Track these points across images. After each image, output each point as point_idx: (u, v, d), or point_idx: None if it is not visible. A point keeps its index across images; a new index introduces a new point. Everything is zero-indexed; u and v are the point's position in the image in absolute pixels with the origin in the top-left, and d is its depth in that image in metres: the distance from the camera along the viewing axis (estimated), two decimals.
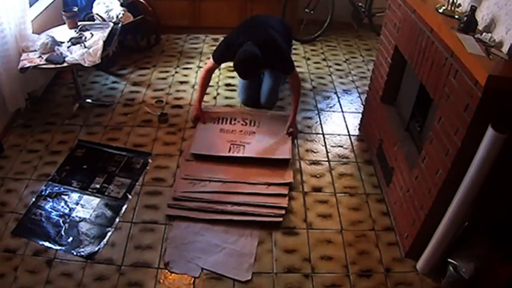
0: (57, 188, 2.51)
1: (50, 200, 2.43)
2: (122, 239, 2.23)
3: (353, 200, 2.54)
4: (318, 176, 2.70)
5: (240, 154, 2.75)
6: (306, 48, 4.27)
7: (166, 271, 2.08)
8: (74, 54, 2.77)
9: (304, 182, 2.64)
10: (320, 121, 3.20)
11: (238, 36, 2.83)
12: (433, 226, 1.96)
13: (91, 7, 3.43)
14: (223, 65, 3.41)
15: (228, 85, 3.56)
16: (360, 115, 3.16)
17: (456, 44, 1.70)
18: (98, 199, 2.45)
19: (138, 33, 4.03)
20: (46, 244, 2.18)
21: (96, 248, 2.17)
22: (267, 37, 2.79)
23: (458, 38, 1.70)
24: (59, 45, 2.83)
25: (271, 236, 2.28)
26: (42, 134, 2.92)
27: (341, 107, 3.37)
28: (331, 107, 3.37)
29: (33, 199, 2.42)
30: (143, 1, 3.80)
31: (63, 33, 3.01)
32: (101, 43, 2.88)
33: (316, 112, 3.30)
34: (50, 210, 2.37)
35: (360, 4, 4.43)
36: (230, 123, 3.04)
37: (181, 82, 3.59)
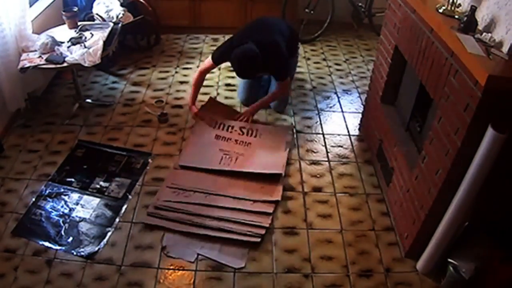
0: (57, 188, 2.51)
1: (50, 200, 2.43)
2: (122, 239, 2.23)
3: (353, 200, 2.54)
4: (318, 176, 2.70)
5: (230, 168, 2.63)
6: (306, 48, 4.26)
7: (166, 271, 2.08)
8: (74, 54, 2.77)
9: (304, 182, 2.64)
10: (320, 121, 3.20)
11: (242, 38, 2.82)
12: (433, 226, 1.96)
13: (91, 7, 3.43)
14: (223, 65, 3.41)
15: (228, 85, 3.56)
16: (360, 115, 3.16)
17: (456, 44, 1.70)
18: (98, 199, 2.45)
19: (138, 33, 4.03)
20: (46, 244, 2.18)
21: (96, 248, 2.17)
22: (271, 41, 2.78)
23: (458, 38, 1.70)
24: (59, 45, 2.83)
25: (271, 236, 2.28)
26: (42, 134, 2.92)
27: (341, 107, 3.37)
28: (331, 107, 3.37)
29: (33, 199, 2.42)
30: (143, 1, 3.80)
31: (63, 33, 3.01)
32: (101, 43, 2.89)
33: (316, 112, 3.30)
34: (50, 210, 2.37)
35: (360, 4, 4.43)
36: (227, 130, 2.96)
37: (181, 82, 3.59)
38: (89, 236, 2.23)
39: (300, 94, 3.50)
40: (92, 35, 2.99)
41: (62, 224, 2.29)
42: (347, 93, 3.56)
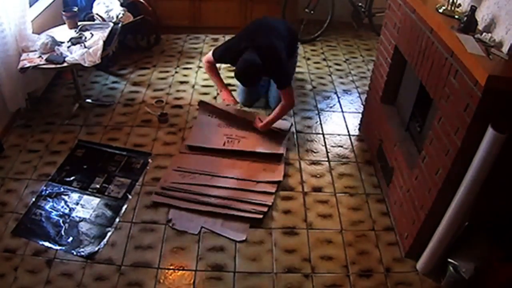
0: (57, 188, 2.51)
1: (50, 200, 2.43)
2: (122, 239, 2.23)
3: (353, 200, 2.55)
4: (318, 176, 2.70)
5: (233, 148, 2.79)
6: (306, 48, 4.26)
7: (166, 271, 2.09)
8: (74, 54, 2.77)
9: (304, 182, 2.64)
10: (320, 121, 3.20)
11: (241, 41, 2.83)
12: (433, 226, 1.96)
13: (91, 7, 3.44)
14: (223, 65, 3.41)
15: (228, 85, 3.54)
16: (360, 115, 3.16)
17: (456, 44, 1.70)
18: (98, 199, 2.45)
19: (138, 33, 4.03)
20: (46, 244, 2.18)
21: (96, 248, 2.17)
22: (268, 45, 2.79)
23: (458, 38, 1.70)
24: (59, 45, 2.83)
25: (271, 236, 2.29)
26: (42, 134, 2.92)
27: (341, 107, 3.37)
28: (331, 107, 3.37)
29: (33, 199, 2.42)
30: (143, 1, 3.80)
31: (63, 33, 3.01)
32: (101, 43, 2.89)
33: (316, 112, 3.30)
34: (50, 210, 2.37)
35: (360, 4, 4.43)
36: (227, 126, 3.03)
37: (181, 82, 3.59)
38: (89, 236, 2.23)
39: (300, 94, 3.50)
40: (92, 35, 2.99)
41: (62, 224, 2.29)
42: (347, 93, 3.56)
